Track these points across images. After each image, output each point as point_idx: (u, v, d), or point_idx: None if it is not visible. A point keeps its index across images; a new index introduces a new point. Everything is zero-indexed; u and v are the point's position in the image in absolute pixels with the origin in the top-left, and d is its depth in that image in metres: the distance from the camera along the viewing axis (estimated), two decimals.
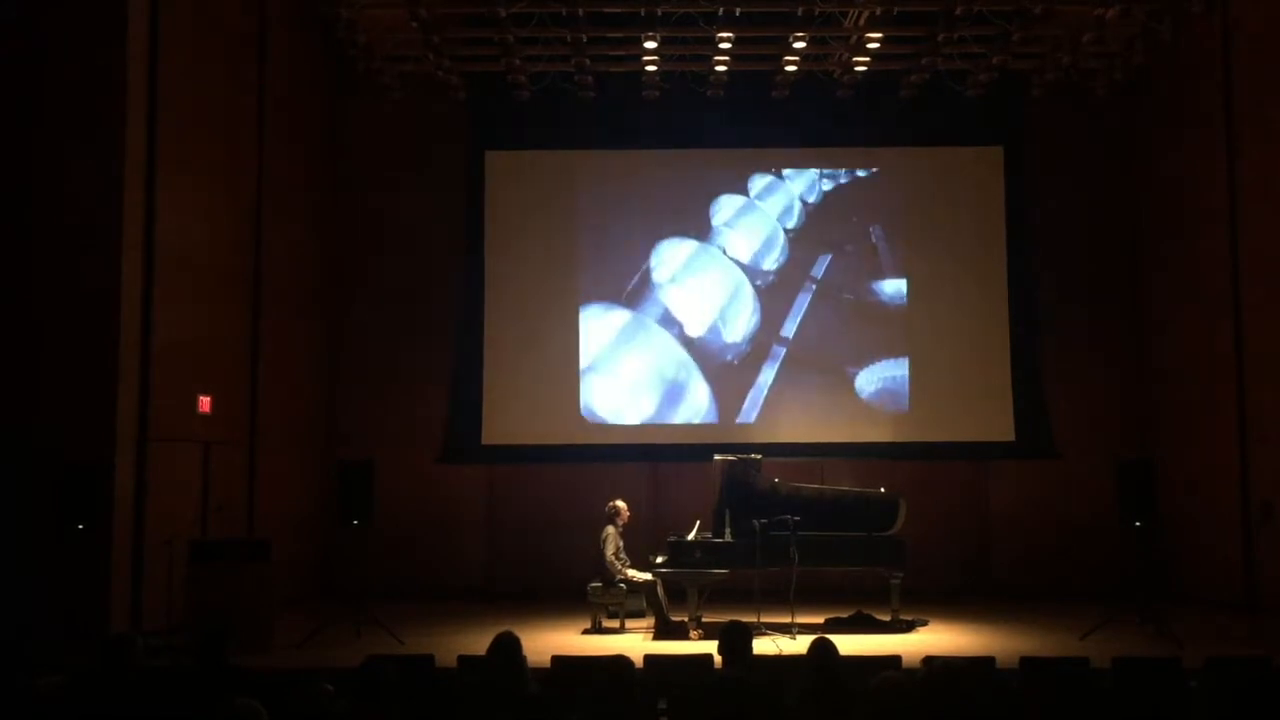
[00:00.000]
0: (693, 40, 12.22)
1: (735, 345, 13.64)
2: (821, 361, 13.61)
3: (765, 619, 9.58)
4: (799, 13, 11.70)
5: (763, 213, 13.89)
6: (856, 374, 13.60)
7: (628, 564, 10.49)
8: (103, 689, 5.64)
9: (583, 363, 13.64)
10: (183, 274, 10.45)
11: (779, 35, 12.21)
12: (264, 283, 11.98)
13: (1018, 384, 13.55)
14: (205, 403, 10.75)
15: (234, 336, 11.54)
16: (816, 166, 13.97)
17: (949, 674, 4.31)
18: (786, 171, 13.96)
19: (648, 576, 10.26)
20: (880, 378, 13.60)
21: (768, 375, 13.59)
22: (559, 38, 12.18)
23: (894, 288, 13.73)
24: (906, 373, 13.59)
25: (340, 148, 13.90)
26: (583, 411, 13.59)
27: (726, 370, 13.62)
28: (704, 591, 9.92)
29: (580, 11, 11.66)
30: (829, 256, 13.76)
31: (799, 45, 12.25)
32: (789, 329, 13.65)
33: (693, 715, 5.01)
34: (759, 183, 13.95)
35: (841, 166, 13.98)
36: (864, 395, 13.60)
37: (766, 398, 13.56)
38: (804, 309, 13.68)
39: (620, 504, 10.75)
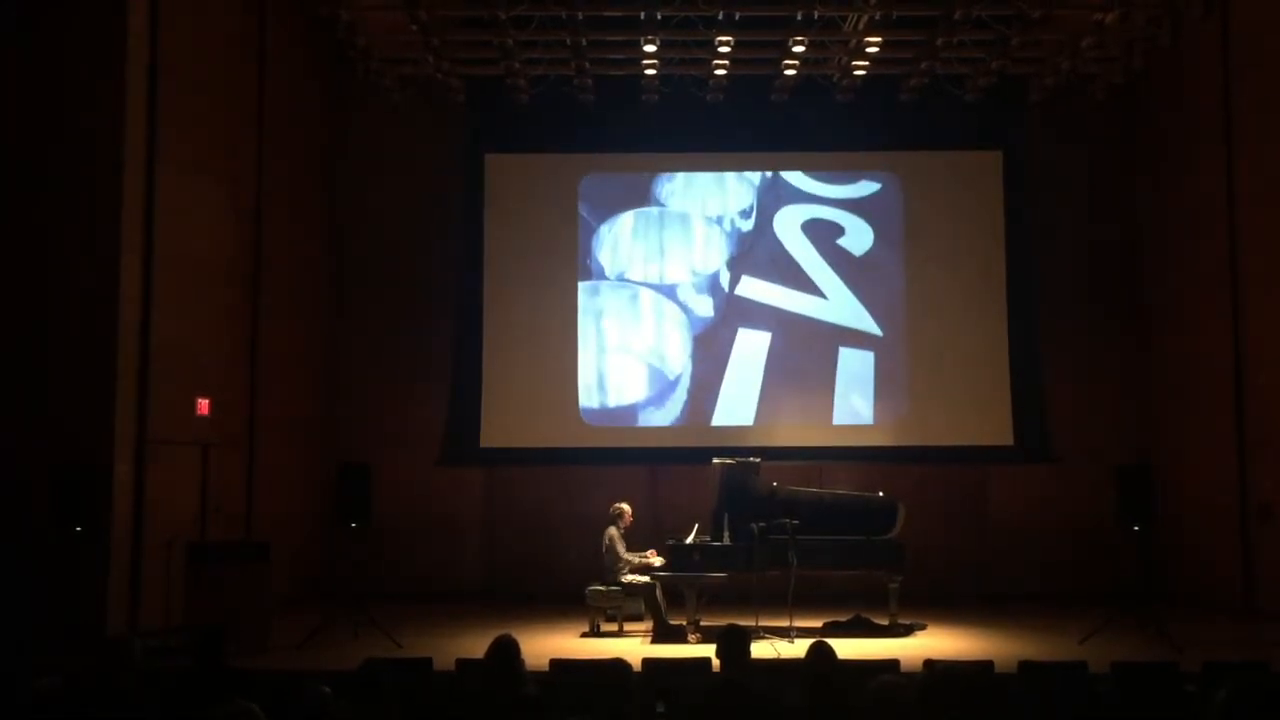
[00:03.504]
0: (692, 44, 12.23)
1: (735, 348, 13.62)
2: (820, 364, 13.61)
3: (763, 622, 9.59)
4: (798, 16, 11.70)
5: (761, 215, 13.89)
6: (855, 377, 13.60)
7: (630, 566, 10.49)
8: (101, 690, 5.63)
9: (581, 365, 13.64)
10: (182, 275, 10.45)
11: (778, 39, 12.21)
12: (263, 284, 11.98)
13: (1017, 388, 13.57)
14: (204, 405, 10.74)
15: (233, 338, 11.54)
16: (815, 170, 13.98)
17: (947, 678, 4.31)
18: (785, 174, 13.97)
19: (646, 579, 10.26)
20: (879, 381, 13.59)
21: (767, 379, 13.58)
22: (558, 41, 12.19)
23: (893, 291, 13.73)
24: (905, 376, 13.60)
25: (340, 149, 13.91)
26: (581, 414, 13.59)
27: (726, 374, 13.60)
28: (702, 595, 9.91)
29: (579, 15, 11.66)
30: (828, 259, 13.76)
31: (798, 49, 12.26)
32: (788, 332, 13.64)
33: (690, 719, 5.00)
34: (758, 185, 13.96)
35: (841, 170, 13.99)
36: (863, 399, 13.60)
37: (766, 402, 13.56)
38: (803, 312, 13.68)
39: (624, 506, 10.75)
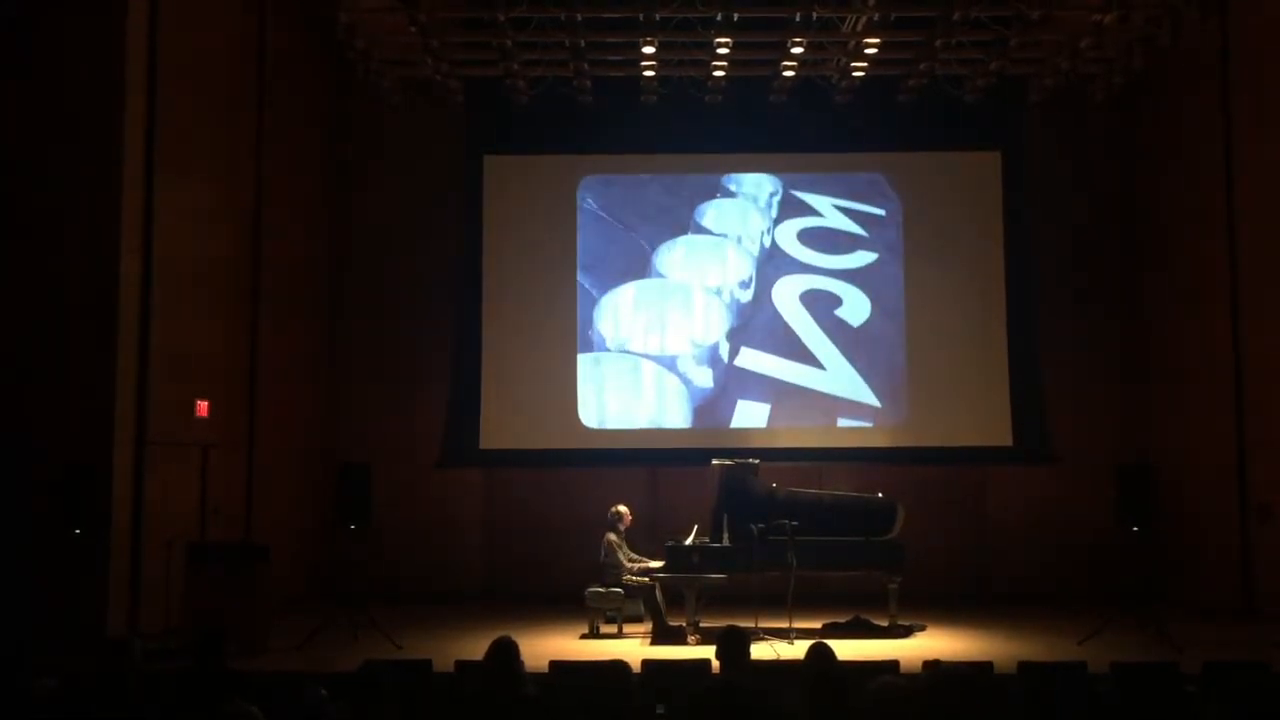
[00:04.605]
0: (691, 45, 12.22)
1: (735, 349, 13.63)
2: (820, 366, 13.60)
3: (763, 624, 9.58)
4: (797, 18, 11.70)
5: (760, 216, 13.90)
6: (855, 379, 13.59)
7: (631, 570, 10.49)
8: (99, 691, 5.64)
9: (580, 367, 13.63)
10: (181, 277, 10.44)
11: (777, 40, 12.21)
12: (262, 286, 11.97)
13: (1016, 389, 13.56)
14: (203, 407, 10.74)
15: (233, 340, 11.53)
16: (814, 171, 13.98)
17: (947, 679, 4.31)
18: (784, 176, 13.97)
19: (646, 580, 10.26)
20: (879, 382, 13.59)
21: (766, 380, 13.58)
22: (557, 42, 12.18)
23: (892, 292, 13.73)
24: (905, 377, 13.60)
25: (339, 151, 13.91)
26: (581, 416, 13.58)
27: (725, 374, 13.60)
28: (702, 596, 9.90)
29: (578, 16, 11.66)
30: (826, 260, 13.76)
31: (797, 50, 12.26)
32: (787, 333, 13.64)
33: None
34: (756, 187, 13.97)
35: (840, 171, 14.00)
36: (862, 400, 13.59)
37: (765, 403, 13.55)
38: (802, 313, 13.68)
39: (622, 509, 10.76)
